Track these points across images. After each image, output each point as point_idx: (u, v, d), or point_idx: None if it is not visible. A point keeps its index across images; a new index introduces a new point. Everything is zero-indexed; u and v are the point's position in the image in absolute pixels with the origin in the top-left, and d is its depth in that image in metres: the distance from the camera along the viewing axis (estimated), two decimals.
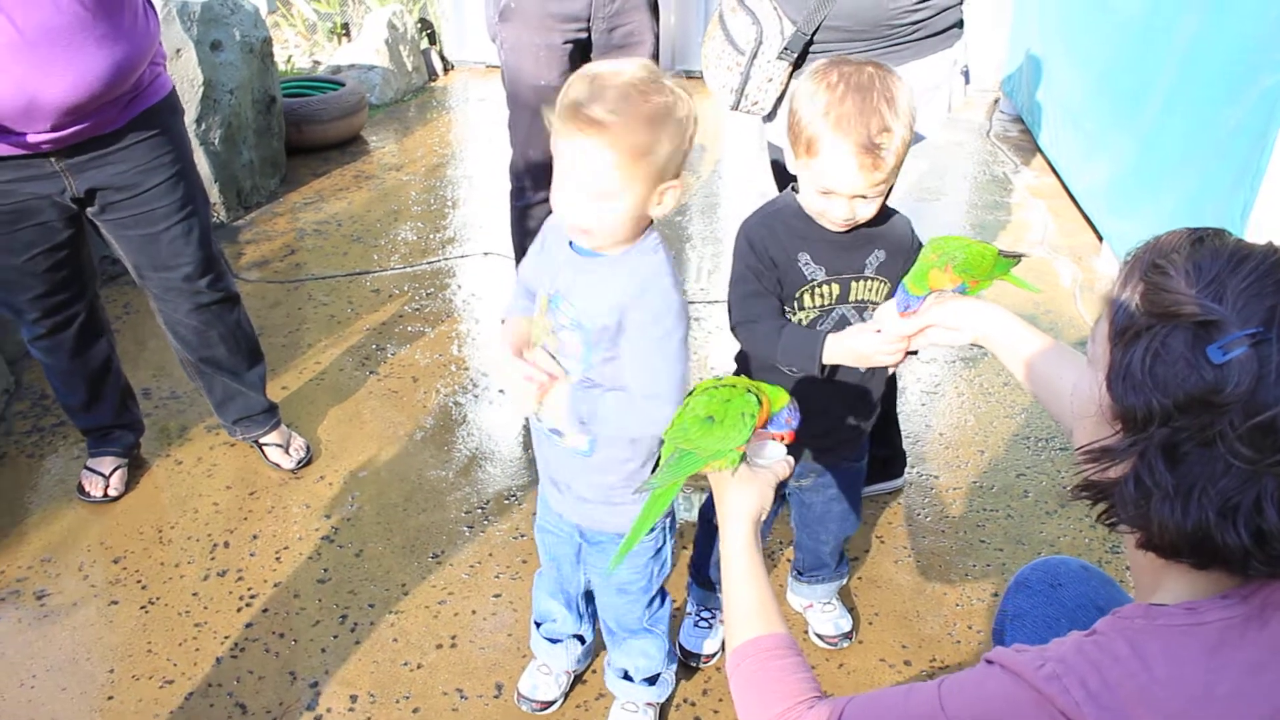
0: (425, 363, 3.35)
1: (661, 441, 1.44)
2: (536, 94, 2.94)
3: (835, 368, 1.78)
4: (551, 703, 2.09)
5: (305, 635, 2.28)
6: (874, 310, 1.84)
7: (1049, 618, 1.51)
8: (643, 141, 1.41)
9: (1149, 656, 0.97)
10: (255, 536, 2.57)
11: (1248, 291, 0.92)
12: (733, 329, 1.85)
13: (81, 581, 2.42)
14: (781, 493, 2.11)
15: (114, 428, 2.71)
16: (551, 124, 1.44)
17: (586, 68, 1.45)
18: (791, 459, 1.46)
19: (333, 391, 3.19)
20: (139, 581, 2.42)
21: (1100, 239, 4.18)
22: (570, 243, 1.58)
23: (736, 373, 1.96)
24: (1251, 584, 1.00)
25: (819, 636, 2.28)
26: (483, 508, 2.68)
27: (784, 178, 2.27)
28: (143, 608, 2.35)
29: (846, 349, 1.71)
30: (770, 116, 2.34)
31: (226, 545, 2.54)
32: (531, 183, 3.04)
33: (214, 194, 4.26)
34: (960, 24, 2.21)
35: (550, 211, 1.60)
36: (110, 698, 2.12)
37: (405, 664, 2.21)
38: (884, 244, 1.81)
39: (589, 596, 2.04)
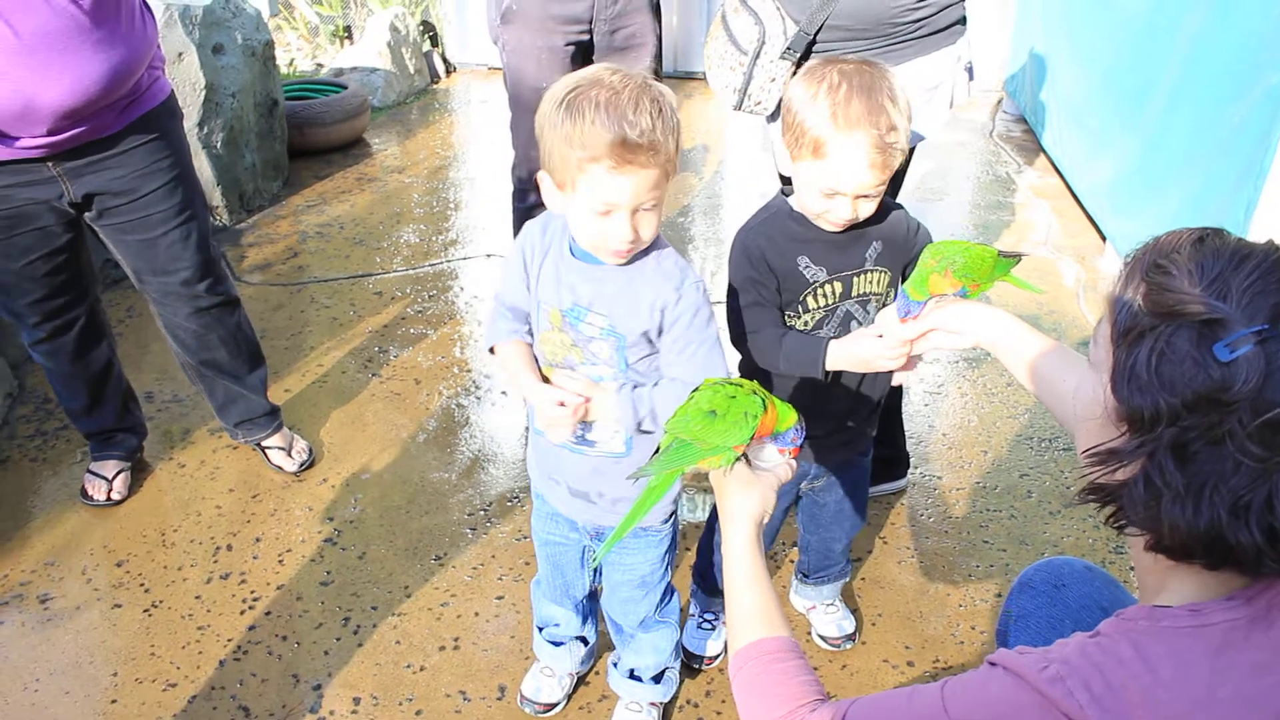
0: (428, 365, 3.35)
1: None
2: (538, 96, 2.91)
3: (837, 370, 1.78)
4: (555, 705, 2.09)
5: (308, 638, 2.28)
6: (876, 302, 1.84)
7: (1053, 619, 1.50)
8: (674, 149, 1.47)
9: (1153, 658, 0.97)
10: (258, 539, 2.57)
11: (1252, 289, 0.91)
12: (733, 341, 1.84)
13: (84, 585, 2.42)
14: (793, 497, 2.11)
15: (116, 431, 2.71)
16: (581, 167, 1.43)
17: (585, 97, 1.43)
18: (794, 462, 1.45)
19: (335, 394, 3.19)
20: (142, 585, 2.42)
21: (1104, 239, 4.17)
22: (573, 253, 1.58)
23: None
24: (1256, 585, 0.99)
25: (822, 638, 2.28)
26: (485, 509, 2.68)
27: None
28: (146, 611, 2.35)
29: (849, 355, 1.71)
30: (774, 117, 2.33)
31: (229, 548, 2.54)
32: (534, 185, 3.04)
33: (216, 197, 4.27)
34: (963, 20, 2.20)
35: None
36: (114, 701, 2.12)
37: (408, 666, 2.21)
38: (879, 235, 1.81)
39: (592, 597, 2.04)
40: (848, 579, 2.32)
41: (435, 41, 6.71)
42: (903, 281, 1.86)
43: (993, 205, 4.72)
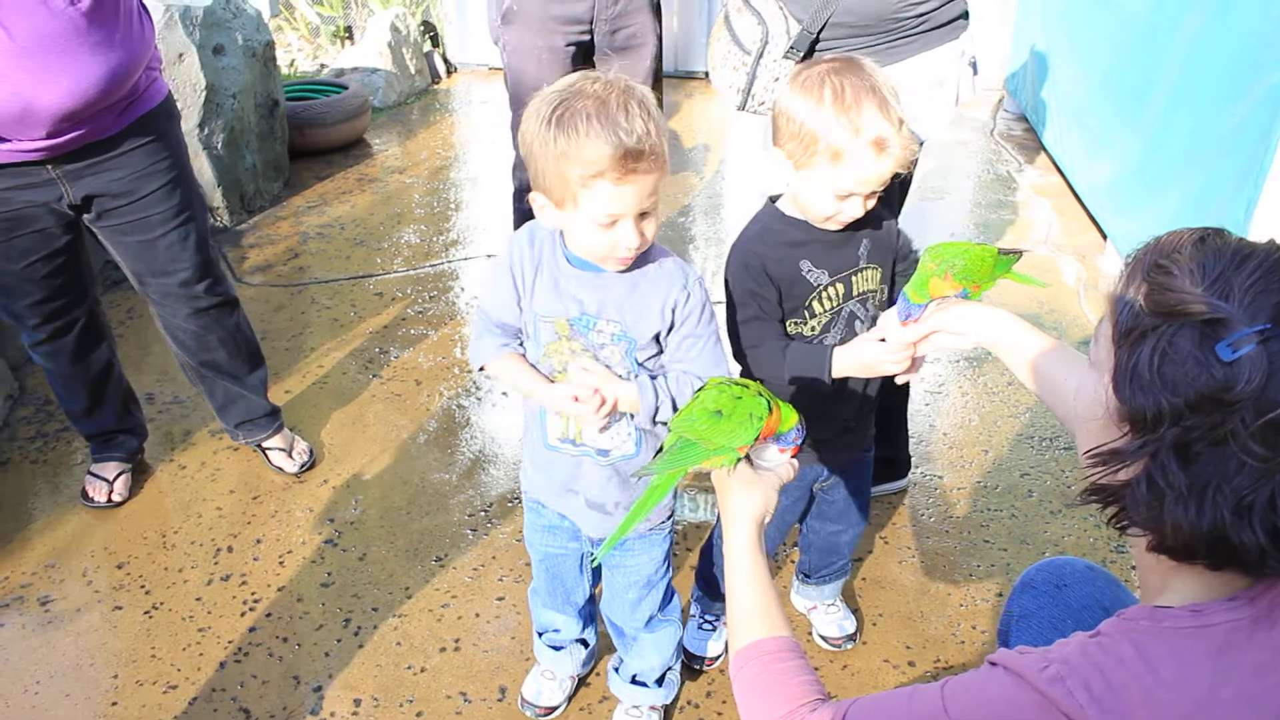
0: (428, 366, 3.35)
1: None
2: None
3: None
4: (555, 708, 2.08)
5: (309, 639, 2.28)
6: (874, 300, 1.84)
7: (1055, 618, 1.50)
8: (666, 147, 1.47)
9: (1154, 659, 0.96)
10: (259, 541, 2.57)
11: (1254, 288, 0.91)
12: (735, 356, 1.83)
13: (85, 587, 2.42)
14: (808, 500, 2.10)
15: (117, 433, 2.71)
16: (584, 183, 1.42)
17: (574, 111, 1.41)
18: (795, 463, 1.46)
19: (336, 395, 3.19)
20: (143, 587, 2.42)
21: (1104, 237, 4.17)
22: (569, 262, 1.58)
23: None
24: (1259, 586, 0.99)
25: (823, 638, 2.27)
26: (486, 510, 2.67)
27: None
28: (146, 613, 2.35)
29: (853, 361, 1.71)
30: None
31: (230, 550, 2.54)
32: None
33: (217, 198, 4.27)
34: (966, 15, 2.20)
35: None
36: (114, 703, 2.12)
37: (409, 667, 2.21)
38: (866, 232, 1.82)
39: (591, 600, 2.04)
40: (848, 577, 2.32)
41: (436, 42, 6.71)
42: (899, 283, 1.87)
43: (994, 204, 4.72)
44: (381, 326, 3.59)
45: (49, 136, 2.05)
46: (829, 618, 2.28)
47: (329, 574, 2.46)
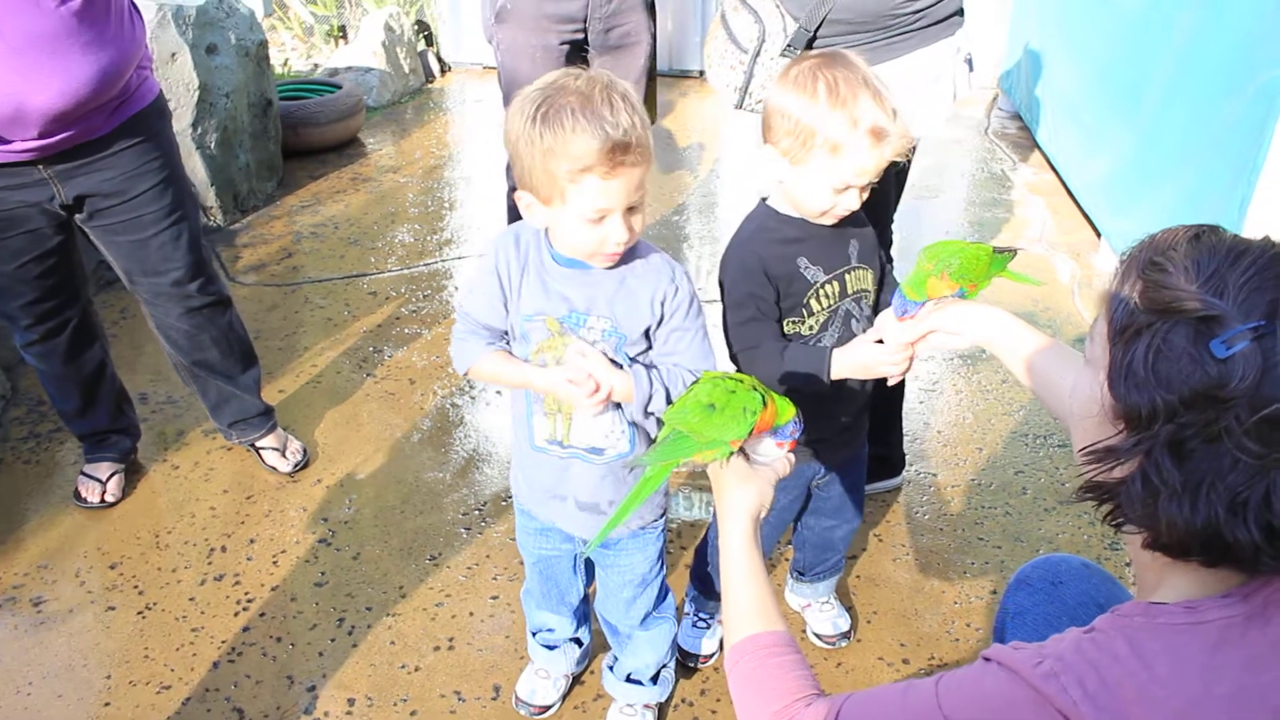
0: (422, 365, 3.34)
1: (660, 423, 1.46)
2: None
3: None
4: (549, 706, 2.08)
5: (302, 639, 2.27)
6: (868, 299, 1.84)
7: (1050, 615, 1.50)
8: (651, 141, 1.47)
9: (1148, 655, 0.96)
10: (252, 541, 2.56)
11: (1248, 285, 0.91)
12: (732, 358, 1.83)
13: (78, 588, 2.41)
14: (805, 499, 2.10)
15: (110, 433, 2.70)
16: (573, 179, 1.42)
17: (557, 107, 1.41)
18: (792, 457, 1.45)
19: (330, 394, 3.18)
20: (136, 587, 2.42)
21: (1099, 235, 4.17)
22: (556, 261, 1.58)
23: None
24: (1253, 582, 0.99)
25: (817, 636, 2.27)
26: (480, 509, 2.67)
27: None
28: (140, 613, 2.34)
29: (852, 363, 1.71)
30: None
31: (223, 550, 2.53)
32: None
33: (210, 198, 4.26)
34: (961, 12, 2.20)
35: None
36: (107, 704, 2.11)
37: (403, 666, 2.20)
38: (854, 232, 1.83)
39: (585, 599, 2.03)
40: (842, 575, 2.31)
41: (430, 41, 6.70)
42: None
43: (988, 202, 4.72)
44: (375, 325, 3.58)
45: (40, 137, 2.05)
46: (823, 615, 2.28)
47: (323, 573, 2.46)
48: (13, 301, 2.35)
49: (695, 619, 2.24)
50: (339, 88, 5.33)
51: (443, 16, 6.72)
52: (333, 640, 2.27)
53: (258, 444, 2.81)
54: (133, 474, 2.78)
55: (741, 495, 1.36)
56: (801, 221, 1.76)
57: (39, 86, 1.96)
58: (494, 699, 2.13)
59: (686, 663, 2.20)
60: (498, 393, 3.18)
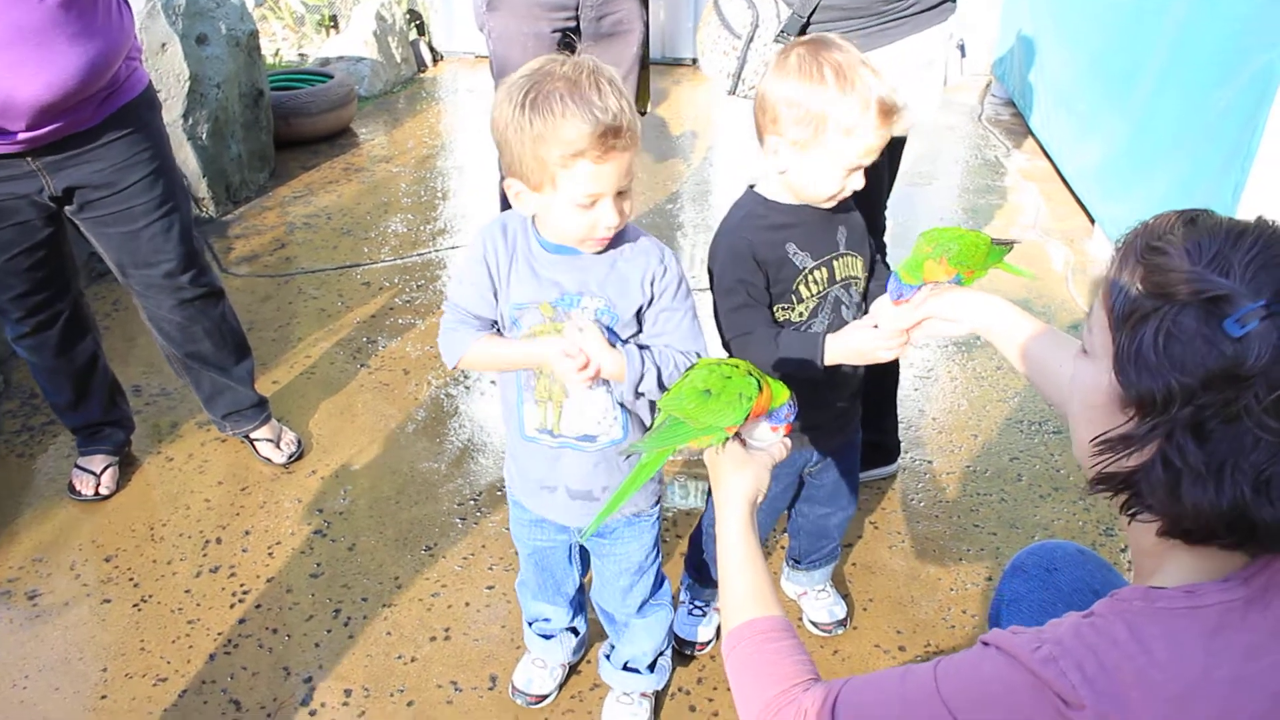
0: (416, 355, 3.34)
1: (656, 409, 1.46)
2: None
3: None
4: (546, 696, 2.08)
5: (298, 630, 2.27)
6: (856, 286, 1.84)
7: (1045, 602, 1.50)
8: (639, 125, 1.48)
9: (1147, 640, 0.96)
10: (247, 532, 2.56)
11: (1254, 264, 0.91)
12: (725, 345, 1.83)
13: (73, 581, 2.40)
14: (798, 485, 2.10)
15: (103, 425, 2.69)
16: (564, 164, 1.42)
17: (545, 93, 1.41)
18: (788, 441, 1.45)
19: (324, 385, 3.17)
20: (131, 579, 2.41)
21: (1092, 222, 4.18)
22: (544, 248, 1.57)
23: None
24: (1252, 566, 0.99)
25: (814, 623, 2.28)
26: (475, 499, 2.67)
27: None
28: (135, 606, 2.34)
29: (846, 348, 1.71)
30: None
31: (219, 541, 2.53)
32: None
33: (202, 189, 4.24)
34: None
35: None
36: (104, 697, 2.11)
37: (399, 657, 2.20)
38: (842, 219, 1.83)
39: (581, 588, 2.03)
40: (837, 562, 2.32)
41: (421, 30, 6.67)
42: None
43: (981, 189, 4.72)
44: (369, 316, 3.57)
45: (28, 129, 2.03)
46: (819, 603, 2.28)
47: (318, 564, 2.45)
48: (3, 294, 2.34)
49: (691, 607, 2.24)
50: (330, 78, 5.30)
51: (434, 5, 6.68)
52: (329, 631, 2.27)
53: (252, 435, 2.81)
54: (127, 466, 2.77)
55: (738, 481, 1.36)
56: (790, 207, 1.76)
57: (26, 79, 1.94)
58: (491, 689, 2.13)
59: (683, 650, 2.20)
60: (492, 382, 3.17)
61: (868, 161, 1.68)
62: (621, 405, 1.65)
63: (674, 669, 2.13)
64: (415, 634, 2.26)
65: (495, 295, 1.61)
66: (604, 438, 1.68)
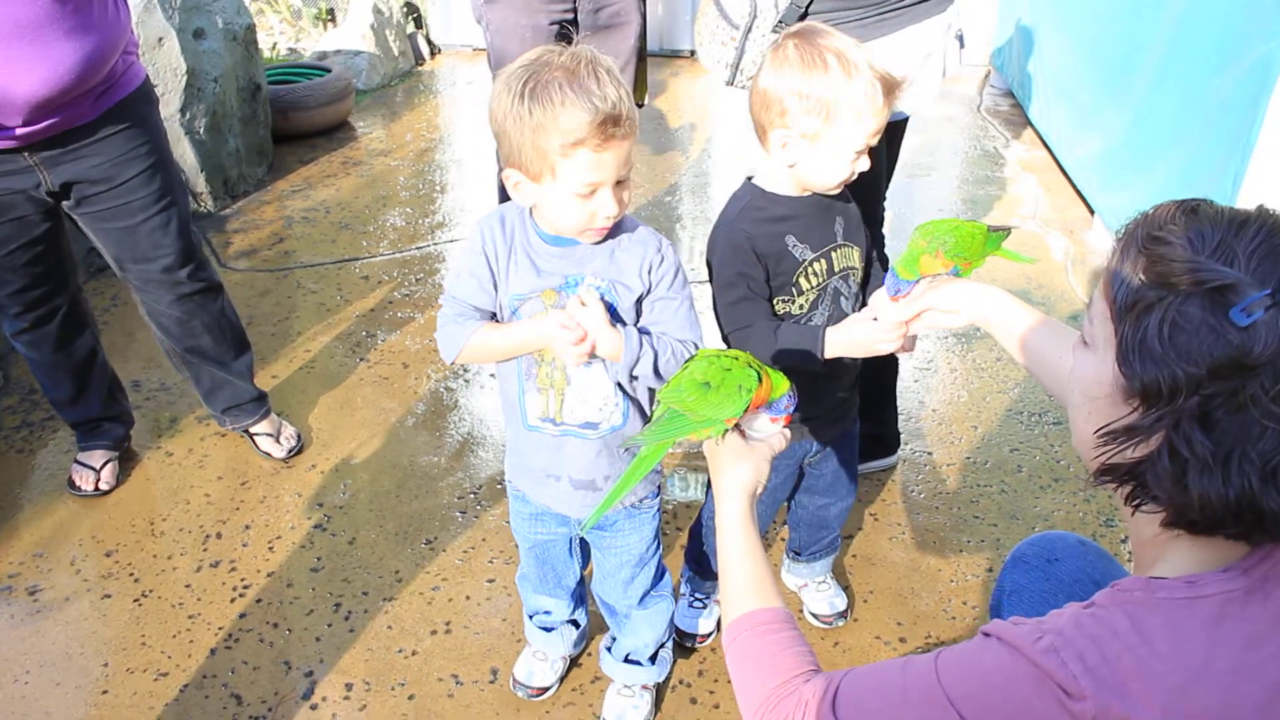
0: (416, 349, 3.33)
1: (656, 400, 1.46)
2: None
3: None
4: (547, 688, 2.08)
5: (299, 624, 2.27)
6: (854, 277, 1.84)
7: (1046, 593, 1.50)
8: (636, 114, 1.48)
9: (1148, 630, 0.96)
10: (247, 527, 2.56)
11: (1258, 253, 0.91)
12: (724, 339, 1.83)
13: (74, 576, 2.40)
14: (797, 476, 2.10)
15: (103, 420, 2.69)
16: (565, 153, 1.42)
17: (544, 83, 1.41)
18: (788, 432, 1.45)
19: (323, 379, 3.17)
20: (131, 575, 2.41)
21: (1091, 212, 4.17)
22: (541, 237, 1.57)
23: None
24: (1253, 557, 0.99)
25: (814, 616, 2.28)
26: (475, 493, 2.67)
27: None
28: (136, 601, 2.34)
29: (846, 341, 1.71)
30: None
31: (219, 536, 2.53)
32: None
33: (200, 183, 4.23)
34: None
35: None
36: (105, 692, 2.11)
37: (400, 651, 2.20)
38: (839, 210, 1.82)
39: (581, 581, 2.04)
40: (838, 554, 2.32)
41: (419, 23, 6.66)
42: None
43: (981, 180, 4.71)
44: (368, 310, 3.57)
45: (25, 124, 2.03)
46: (820, 595, 2.29)
47: (319, 559, 2.45)
48: (1, 290, 2.33)
49: (691, 599, 2.24)
50: (328, 71, 5.29)
51: None
52: (330, 625, 2.27)
53: (251, 430, 2.81)
54: (127, 461, 2.77)
55: (738, 472, 1.36)
56: (788, 199, 1.76)
57: (23, 74, 1.94)
58: (492, 682, 2.13)
59: (684, 643, 2.20)
60: (491, 375, 3.17)
61: (874, 142, 1.69)
62: (623, 391, 1.65)
63: (675, 661, 2.14)
64: (416, 627, 2.26)
65: (495, 286, 1.61)
66: (605, 424, 1.68)
